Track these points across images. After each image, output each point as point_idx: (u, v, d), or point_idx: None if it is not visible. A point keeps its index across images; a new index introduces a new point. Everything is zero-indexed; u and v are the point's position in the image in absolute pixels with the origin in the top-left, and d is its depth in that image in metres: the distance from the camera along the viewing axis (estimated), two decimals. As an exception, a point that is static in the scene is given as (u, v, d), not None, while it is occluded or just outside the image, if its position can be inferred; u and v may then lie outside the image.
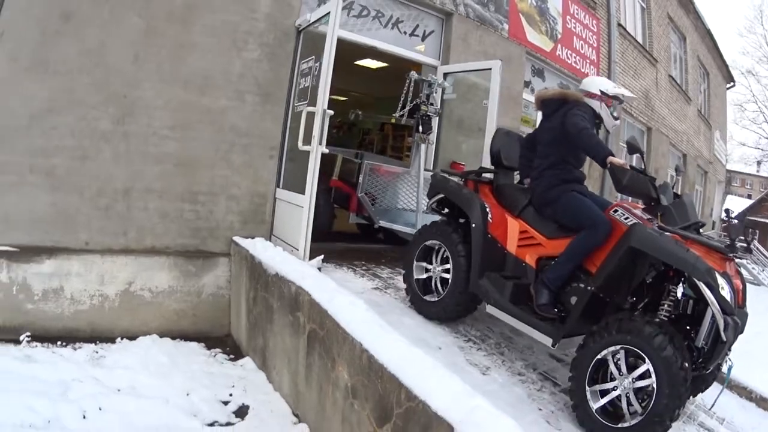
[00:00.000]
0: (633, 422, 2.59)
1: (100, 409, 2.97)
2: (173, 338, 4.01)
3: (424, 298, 3.77)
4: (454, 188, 3.82)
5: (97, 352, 3.62)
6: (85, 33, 3.81)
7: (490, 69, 5.11)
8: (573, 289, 3.12)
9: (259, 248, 3.97)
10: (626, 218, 3.02)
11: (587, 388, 2.74)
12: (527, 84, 7.04)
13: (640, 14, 11.02)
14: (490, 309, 3.45)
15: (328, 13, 3.96)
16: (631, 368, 2.67)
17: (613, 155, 3.06)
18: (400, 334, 2.58)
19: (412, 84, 5.11)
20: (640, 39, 10.73)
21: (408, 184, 5.66)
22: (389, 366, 2.30)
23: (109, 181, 3.90)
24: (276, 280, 3.55)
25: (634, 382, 2.62)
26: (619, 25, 9.49)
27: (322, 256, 4.01)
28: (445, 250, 3.72)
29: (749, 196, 38.90)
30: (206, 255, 4.28)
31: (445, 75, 5.50)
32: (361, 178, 5.42)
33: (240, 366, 3.86)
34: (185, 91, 4.13)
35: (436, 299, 3.71)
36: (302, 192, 3.99)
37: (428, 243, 3.82)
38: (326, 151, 3.97)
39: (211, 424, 3.09)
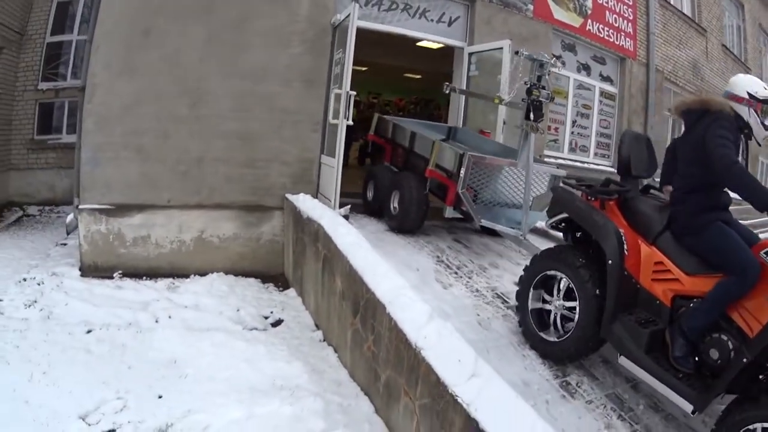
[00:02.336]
0: None
1: (169, 317, 4.29)
2: (236, 275, 5.30)
3: (541, 335, 3.61)
4: (583, 210, 3.53)
5: (173, 283, 4.98)
6: (162, 43, 5.12)
7: (502, 48, 6.11)
8: (713, 341, 2.86)
9: (301, 200, 5.21)
10: None
11: None
12: (558, 58, 7.89)
13: (686, -17, 11.58)
14: (623, 360, 3.20)
15: (349, 14, 5.10)
16: None
17: None
18: (377, 253, 3.82)
19: (521, 63, 5.17)
20: (687, 9, 11.25)
21: (513, 178, 5.47)
22: (360, 271, 3.55)
23: (186, 153, 5.21)
24: (307, 221, 4.82)
25: None
26: (660, -5, 10.14)
27: (349, 206, 5.18)
28: (569, 283, 3.48)
29: None
30: (263, 209, 5.55)
31: (470, 54, 6.48)
32: (462, 172, 5.10)
33: (285, 294, 5.17)
34: (243, 81, 5.35)
35: (556, 339, 3.54)
36: (332, 155, 5.19)
37: (549, 272, 3.62)
38: (351, 123, 5.12)
39: (251, 329, 4.33)
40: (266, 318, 4.58)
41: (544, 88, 4.96)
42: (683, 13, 10.97)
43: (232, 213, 5.40)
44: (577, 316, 3.38)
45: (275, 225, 5.58)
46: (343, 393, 3.51)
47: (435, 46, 7.43)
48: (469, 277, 4.61)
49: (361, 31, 5.23)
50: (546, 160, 7.34)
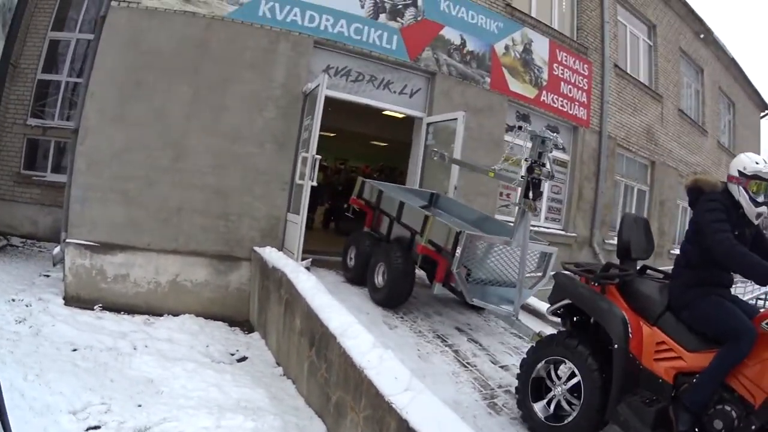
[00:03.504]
0: None
1: (146, 346, 5.10)
2: (206, 318, 6.13)
3: (552, 425, 3.67)
4: (586, 295, 3.74)
5: (148, 320, 5.81)
6: (151, 97, 6.05)
7: (456, 119, 7.03)
8: (717, 412, 3.02)
9: (267, 252, 6.13)
10: None
11: None
12: (511, 128, 8.90)
13: (645, 52, 12.81)
14: None
15: (319, 84, 6.03)
16: None
17: None
18: (331, 296, 4.72)
19: (527, 139, 5.24)
20: (643, 76, 12.49)
21: (506, 256, 5.59)
22: (316, 310, 4.42)
23: (167, 201, 6.09)
24: (272, 270, 5.68)
25: None
26: (616, 66, 11.31)
27: (310, 258, 6.05)
28: (573, 370, 3.63)
29: None
30: (233, 259, 6.44)
31: (428, 124, 7.44)
32: (459, 251, 5.15)
33: (249, 336, 6.03)
34: (221, 140, 6.28)
35: (557, 425, 3.66)
36: (298, 213, 6.10)
37: (550, 359, 3.78)
38: (315, 185, 5.98)
39: (219, 362, 5.16)
40: (232, 354, 5.45)
41: (544, 165, 5.12)
42: (639, 81, 12.19)
43: (205, 260, 6.28)
44: (582, 401, 3.51)
45: (243, 274, 6.45)
46: (299, 415, 4.29)
47: (399, 115, 8.36)
48: (414, 321, 5.45)
49: (330, 100, 6.16)
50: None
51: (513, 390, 4.22)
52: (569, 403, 3.67)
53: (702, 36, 14.90)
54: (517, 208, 5.32)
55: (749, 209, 3.26)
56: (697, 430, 3.10)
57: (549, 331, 5.14)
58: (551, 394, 3.76)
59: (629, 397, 3.36)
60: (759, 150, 21.40)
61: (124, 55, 6.08)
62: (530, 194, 5.07)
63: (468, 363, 4.93)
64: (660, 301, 3.49)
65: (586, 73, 10.41)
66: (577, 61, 10.21)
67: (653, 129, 12.66)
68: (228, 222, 6.35)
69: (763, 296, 17.13)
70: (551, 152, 5.30)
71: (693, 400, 3.10)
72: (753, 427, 2.86)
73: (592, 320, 3.77)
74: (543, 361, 3.80)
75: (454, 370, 4.62)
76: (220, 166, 6.29)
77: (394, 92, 7.57)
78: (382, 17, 7.36)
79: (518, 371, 4.02)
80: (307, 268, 5.73)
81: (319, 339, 4.41)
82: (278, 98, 6.51)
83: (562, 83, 9.85)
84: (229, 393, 4.40)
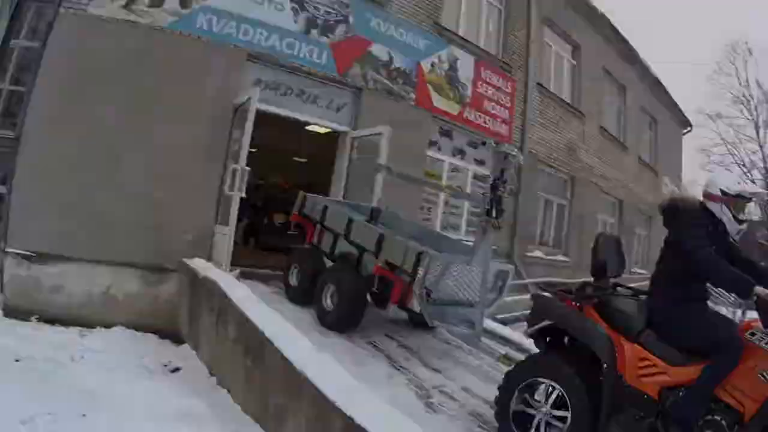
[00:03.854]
0: None
1: (83, 357, 5.61)
2: (137, 330, 6.56)
3: None
4: (568, 316, 3.99)
5: (82, 331, 6.26)
6: (91, 108, 6.55)
7: (382, 133, 7.81)
8: (707, 423, 3.31)
9: (197, 263, 6.59)
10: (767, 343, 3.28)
11: None
12: (434, 143, 9.93)
13: (569, 71, 14.18)
14: None
15: (250, 97, 6.76)
16: None
17: (753, 284, 3.32)
18: (263, 304, 5.19)
19: (495, 155, 5.61)
20: (566, 95, 13.83)
21: (463, 275, 5.79)
22: (251, 317, 4.84)
23: (101, 212, 6.55)
24: (203, 280, 6.13)
25: None
26: (539, 84, 12.53)
27: (238, 270, 6.65)
28: (552, 389, 3.85)
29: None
30: (163, 270, 6.92)
31: (353, 139, 8.29)
32: (421, 272, 5.32)
33: (181, 348, 6.43)
34: (155, 151, 6.81)
35: None
36: (227, 224, 6.75)
37: (530, 381, 3.99)
38: (244, 196, 6.62)
39: (154, 373, 5.57)
40: (166, 365, 5.83)
41: (505, 182, 5.38)
42: (562, 99, 13.55)
43: (136, 272, 6.77)
44: (569, 422, 3.70)
45: (172, 286, 6.96)
46: (238, 422, 4.57)
47: (322, 130, 9.18)
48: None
49: (257, 114, 6.79)
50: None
51: (448, 390, 4.96)
52: (549, 425, 3.87)
53: (626, 57, 16.47)
54: (478, 226, 5.64)
55: (731, 227, 3.70)
56: None
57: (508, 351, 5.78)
58: (535, 418, 3.91)
59: (617, 415, 3.63)
60: (681, 165, 23.52)
61: (68, 64, 6.54)
62: (493, 212, 5.33)
63: (401, 366, 5.47)
64: (639, 318, 3.81)
65: (510, 91, 11.54)
66: (501, 79, 11.33)
67: (574, 145, 13.98)
68: (159, 233, 6.89)
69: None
70: (514, 169, 5.68)
71: (684, 413, 3.38)
72: None
73: (566, 340, 4.06)
74: (524, 384, 3.99)
75: (388, 372, 5.22)
76: (152, 177, 6.80)
77: (321, 107, 8.34)
78: (314, 33, 8.12)
79: (496, 396, 4.17)
80: (236, 278, 6.24)
81: (255, 346, 4.73)
82: (210, 110, 7.12)
83: (486, 100, 10.93)
84: (168, 402, 4.70)
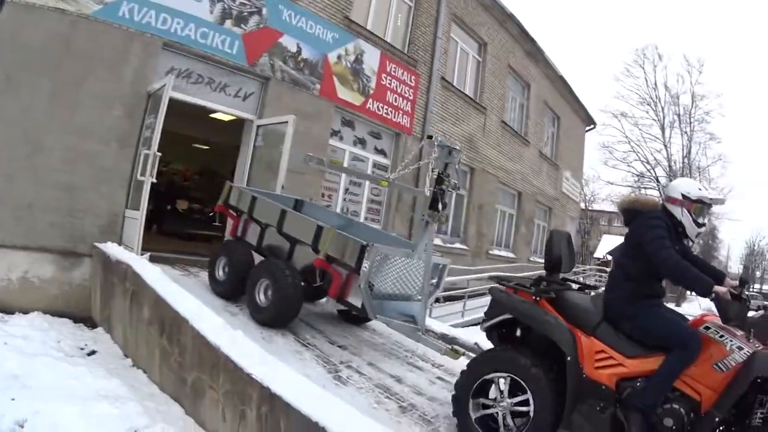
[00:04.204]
0: None
1: (5, 343, 5.89)
2: (53, 315, 6.96)
3: None
4: (529, 309, 4.36)
5: (3, 317, 6.71)
6: (17, 92, 7.13)
7: (287, 122, 8.67)
8: (666, 411, 3.77)
9: (110, 247, 7.18)
10: (721, 336, 3.81)
11: None
12: (336, 133, 11.19)
13: (474, 67, 15.80)
14: None
15: (165, 84, 7.64)
16: None
17: (713, 284, 3.81)
18: (177, 285, 5.73)
19: (435, 151, 5.86)
20: (469, 89, 15.44)
21: (407, 269, 6.18)
22: (165, 297, 5.30)
23: (22, 197, 7.20)
24: (116, 264, 6.63)
25: None
26: (443, 78, 13.99)
27: (148, 254, 7.00)
28: (513, 381, 4.22)
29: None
30: (77, 255, 7.53)
31: (258, 127, 9.38)
32: (366, 265, 5.58)
33: (94, 332, 6.89)
34: (74, 137, 7.50)
35: None
36: (137, 209, 7.48)
37: (490, 376, 4.34)
38: (155, 181, 7.38)
39: (72, 356, 5.87)
40: (82, 349, 6.23)
41: (449, 176, 5.78)
42: (465, 94, 15.12)
43: (52, 257, 7.39)
44: (532, 415, 4.09)
45: (85, 271, 7.56)
46: (157, 401, 4.93)
47: (226, 118, 10.08)
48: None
49: (160, 100, 7.56)
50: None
51: (354, 365, 5.65)
52: (511, 417, 4.27)
53: (532, 55, 18.29)
54: (421, 220, 6.00)
55: (691, 229, 4.19)
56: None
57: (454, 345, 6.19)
58: (492, 411, 4.33)
59: (580, 405, 4.01)
60: (582, 160, 25.94)
61: (1, 50, 7.08)
62: (439, 206, 5.72)
63: (308, 343, 6.07)
64: (596, 311, 4.25)
65: (413, 84, 12.96)
66: (405, 73, 12.72)
67: (475, 138, 15.61)
68: (74, 219, 7.49)
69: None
70: (458, 164, 6.02)
71: (646, 402, 3.81)
72: (717, 419, 3.67)
73: (518, 334, 4.54)
74: (482, 379, 4.36)
75: (296, 349, 5.80)
76: (70, 162, 7.44)
77: (230, 95, 9.32)
78: (228, 23, 9.07)
79: (453, 394, 4.54)
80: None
81: (170, 325, 5.10)
82: (125, 97, 7.89)
83: (389, 92, 12.29)
84: (88, 384, 5.01)
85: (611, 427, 3.92)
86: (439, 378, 6.03)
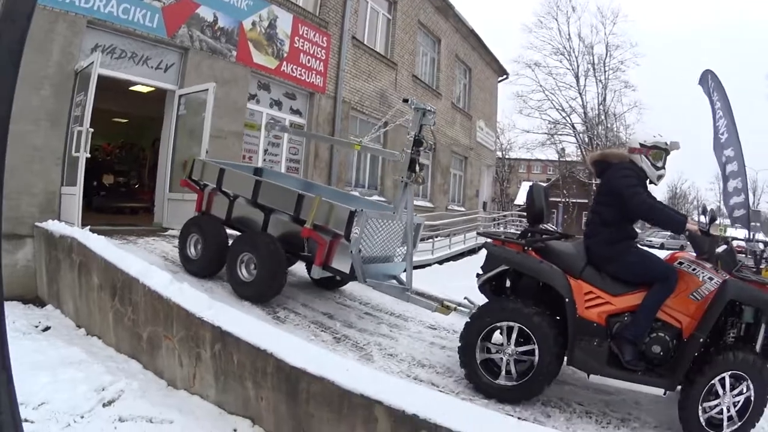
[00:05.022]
0: None
1: None
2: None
3: (498, 383, 4.90)
4: (525, 260, 4.97)
5: None
6: None
7: (207, 90, 9.73)
8: (653, 340, 4.61)
9: (51, 224, 7.68)
10: (694, 269, 4.71)
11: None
12: (253, 96, 12.56)
13: (384, 25, 17.34)
14: (593, 378, 4.82)
15: (93, 62, 8.64)
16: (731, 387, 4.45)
17: (686, 222, 4.61)
18: (124, 250, 6.42)
19: (413, 112, 6.38)
20: (380, 46, 16.99)
21: (386, 231, 6.60)
22: (115, 262, 5.81)
23: None
24: (60, 239, 7.08)
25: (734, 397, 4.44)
26: (354, 37, 15.47)
27: (89, 227, 7.35)
28: (512, 330, 4.83)
29: (548, 180, 52.67)
30: (18, 237, 8.05)
31: (180, 96, 10.54)
32: (357, 231, 5.95)
33: (44, 310, 7.39)
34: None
35: (516, 383, 4.86)
36: (73, 185, 8.28)
37: (499, 325, 4.91)
38: (89, 155, 8.18)
39: (29, 334, 6.28)
40: (37, 326, 6.61)
41: (424, 138, 6.30)
42: (375, 51, 16.69)
43: None
44: (537, 358, 4.73)
45: (28, 252, 8.13)
46: (116, 361, 5.37)
47: (146, 90, 11.10)
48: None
49: (88, 77, 8.51)
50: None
51: (290, 306, 6.62)
52: (514, 363, 4.90)
53: (442, 10, 20.02)
54: (400, 182, 6.43)
55: (651, 173, 4.90)
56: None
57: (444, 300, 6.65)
58: (497, 355, 4.96)
59: (579, 342, 4.71)
60: (496, 109, 28.15)
61: None
62: (417, 167, 6.20)
63: (219, 280, 7.07)
64: (580, 256, 4.94)
65: (325, 45, 14.40)
66: (317, 34, 14.12)
67: (386, 93, 17.24)
68: (9, 200, 7.77)
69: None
70: (433, 125, 6.49)
71: (634, 333, 4.59)
72: (701, 340, 4.50)
73: (508, 284, 5.16)
74: (487, 329, 4.94)
75: (207, 286, 6.80)
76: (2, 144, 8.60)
77: (152, 68, 10.37)
78: (148, -4, 10.14)
79: (459, 346, 5.13)
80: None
81: (121, 287, 5.53)
82: (52, 77, 8.70)
83: (302, 54, 13.68)
84: (50, 355, 5.39)
85: (609, 357, 4.69)
86: (366, 313, 7.33)
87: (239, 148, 12.02)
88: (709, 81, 12.49)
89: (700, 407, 4.48)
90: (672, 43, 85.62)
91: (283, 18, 13.09)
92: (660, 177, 5.01)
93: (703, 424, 4.48)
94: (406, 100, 6.42)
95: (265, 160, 13.03)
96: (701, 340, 4.51)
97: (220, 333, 4.52)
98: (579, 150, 47.35)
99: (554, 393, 5.26)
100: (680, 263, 4.79)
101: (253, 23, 12.32)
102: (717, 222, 4.64)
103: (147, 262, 6.08)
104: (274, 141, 13.27)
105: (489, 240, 5.50)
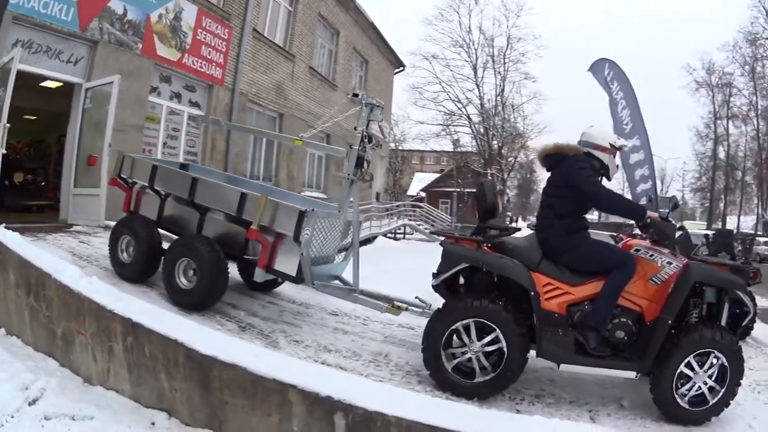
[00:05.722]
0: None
1: None
2: None
3: (473, 382, 5.12)
4: (486, 256, 5.20)
5: None
6: None
7: (112, 83, 10.51)
8: (616, 326, 5.02)
9: None
10: (651, 255, 5.12)
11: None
12: (154, 89, 13.64)
13: (285, 17, 18.74)
14: (564, 367, 5.11)
15: (13, 57, 9.55)
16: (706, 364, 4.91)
17: (646, 210, 5.04)
18: (35, 246, 6.23)
19: (364, 108, 6.46)
20: (279, 38, 18.40)
21: (328, 230, 6.69)
22: (29, 258, 5.61)
23: None
24: None
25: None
26: (255, 29, 16.76)
27: (3, 224, 6.63)
28: (479, 326, 5.04)
29: (441, 171, 56.32)
30: None
31: (87, 90, 11.35)
32: (308, 232, 5.99)
33: None
34: None
35: (489, 378, 5.10)
36: None
37: (461, 324, 5.11)
38: (5, 152, 8.95)
39: None
40: None
41: (372, 136, 6.42)
42: (275, 43, 18.08)
43: None
44: (506, 352, 4.99)
45: None
46: (34, 359, 5.28)
47: (54, 85, 11.87)
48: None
49: (7, 73, 9.40)
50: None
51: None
52: (484, 359, 5.11)
53: (342, 3, 21.69)
54: (346, 179, 6.56)
55: (614, 171, 5.44)
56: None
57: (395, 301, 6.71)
58: (464, 357, 5.15)
59: (543, 333, 5.01)
60: (391, 101, 30.21)
61: None
62: (365, 165, 6.39)
63: (150, 282, 7.15)
64: (535, 250, 5.23)
65: (226, 37, 15.64)
66: (219, 26, 15.33)
67: (283, 85, 18.70)
68: None
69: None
70: (381, 121, 6.64)
71: (597, 320, 4.94)
72: (669, 322, 4.90)
73: (461, 282, 5.41)
74: (453, 327, 5.12)
75: (141, 289, 6.90)
76: None
77: (63, 61, 11.14)
78: (66, -9, 10.87)
79: (423, 346, 5.28)
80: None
81: (35, 283, 5.45)
82: None
83: (204, 46, 14.83)
84: None
85: (575, 346, 5.04)
86: (269, 302, 7.77)
87: (140, 142, 12.89)
88: (606, 70, 13.76)
89: (674, 389, 4.94)
90: (578, 35, 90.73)
91: (188, 10, 14.18)
92: (614, 174, 5.58)
93: (685, 406, 4.97)
94: (356, 95, 6.56)
95: (164, 153, 13.94)
96: (669, 322, 4.92)
97: (131, 325, 4.59)
98: (474, 141, 50.44)
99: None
100: (637, 250, 5.21)
101: (160, 15, 13.36)
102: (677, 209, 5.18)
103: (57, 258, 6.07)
104: (172, 134, 14.32)
105: (443, 238, 5.67)
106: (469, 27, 48.42)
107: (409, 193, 56.92)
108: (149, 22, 13.14)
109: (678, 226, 5.63)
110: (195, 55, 14.69)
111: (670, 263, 5.09)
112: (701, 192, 57.37)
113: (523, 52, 48.23)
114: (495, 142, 50.44)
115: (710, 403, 4.97)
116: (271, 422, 4.03)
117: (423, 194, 57.59)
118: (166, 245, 7.02)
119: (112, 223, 9.32)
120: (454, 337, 5.21)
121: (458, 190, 53.88)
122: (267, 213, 6.20)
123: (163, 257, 6.83)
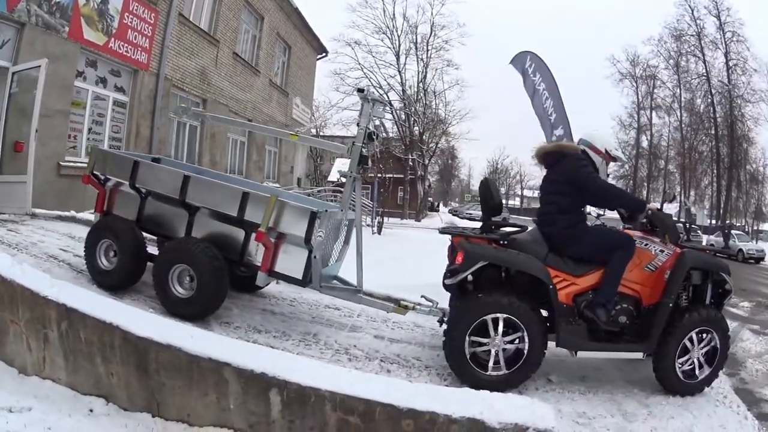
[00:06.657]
0: None
1: None
2: None
3: (488, 374, 5.36)
4: (504, 254, 5.52)
5: None
6: None
7: (39, 66, 10.53)
8: (618, 312, 5.51)
9: None
10: (645, 245, 5.66)
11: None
12: (80, 74, 13.81)
13: (211, 2, 19.10)
14: (580, 354, 5.54)
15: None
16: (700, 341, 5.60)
17: (645, 202, 5.53)
18: None
19: (371, 104, 6.40)
20: (204, 23, 18.78)
21: (331, 230, 6.59)
22: None
23: None
24: None
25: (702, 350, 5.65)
26: (181, 14, 17.09)
27: None
28: (505, 320, 5.30)
29: None
30: None
31: (13, 73, 11.45)
32: (321, 234, 5.96)
33: None
34: None
35: (506, 373, 5.38)
36: None
37: (487, 317, 5.33)
38: None
39: None
40: None
41: (377, 135, 6.46)
42: (199, 27, 18.44)
43: None
44: (527, 346, 5.32)
45: None
46: None
47: None
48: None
49: None
50: (67, 164, 12.50)
51: (138, 288, 6.72)
52: (502, 355, 5.40)
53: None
54: (348, 177, 6.53)
55: (603, 174, 5.89)
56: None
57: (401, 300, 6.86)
58: (485, 348, 5.40)
59: (561, 325, 5.40)
60: (313, 87, 30.88)
61: None
62: (368, 162, 6.48)
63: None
64: (542, 244, 5.59)
65: (153, 21, 15.90)
66: (146, 10, 15.55)
67: (207, 70, 19.09)
68: None
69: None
70: (383, 117, 6.98)
71: (606, 295, 5.41)
72: (670, 305, 5.47)
73: (470, 279, 5.53)
74: (475, 321, 5.33)
75: (75, 276, 7.06)
76: None
77: None
78: (-8, -29, 10.92)
79: (443, 344, 5.51)
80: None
81: None
82: None
83: (130, 30, 15.04)
84: None
85: (588, 333, 5.49)
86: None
87: (66, 127, 13.13)
88: (527, 62, 14.11)
89: (676, 365, 5.57)
90: (508, 21, 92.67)
91: (116, -7, 14.39)
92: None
93: (681, 377, 5.61)
94: (361, 90, 6.41)
95: (89, 139, 14.12)
96: (670, 305, 5.50)
97: (66, 310, 4.52)
98: (395, 126, 51.50)
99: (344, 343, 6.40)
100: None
101: (87, -1, 13.56)
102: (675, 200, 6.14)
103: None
104: (97, 119, 14.53)
105: (462, 239, 5.72)
106: (393, 14, 49.84)
107: (330, 179, 57.50)
108: (77, 4, 13.17)
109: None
110: (121, 40, 14.85)
111: (662, 251, 5.69)
112: (623, 179, 59.92)
113: (447, 40, 49.97)
114: (416, 128, 51.79)
115: (698, 379, 5.69)
116: (209, 401, 4.15)
117: (344, 180, 57.33)
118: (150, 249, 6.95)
119: (40, 211, 10.26)
120: (480, 327, 5.40)
121: (379, 175, 54.76)
122: (280, 215, 6.09)
123: (153, 264, 6.60)
